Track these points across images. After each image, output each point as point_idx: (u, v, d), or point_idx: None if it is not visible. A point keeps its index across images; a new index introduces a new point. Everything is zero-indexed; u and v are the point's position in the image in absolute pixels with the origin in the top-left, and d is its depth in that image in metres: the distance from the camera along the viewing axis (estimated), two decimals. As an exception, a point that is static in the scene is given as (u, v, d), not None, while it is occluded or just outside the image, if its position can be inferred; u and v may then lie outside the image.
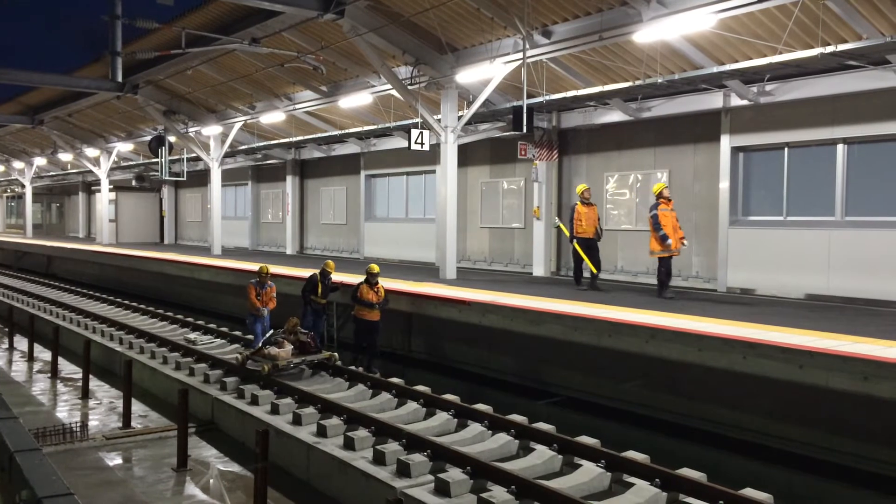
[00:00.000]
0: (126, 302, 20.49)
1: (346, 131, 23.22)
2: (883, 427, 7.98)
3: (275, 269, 19.57)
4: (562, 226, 15.25)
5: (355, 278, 16.41)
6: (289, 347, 11.42)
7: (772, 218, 14.59)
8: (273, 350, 11.29)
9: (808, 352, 8.27)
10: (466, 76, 16.19)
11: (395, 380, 10.89)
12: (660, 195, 13.52)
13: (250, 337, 14.49)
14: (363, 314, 12.67)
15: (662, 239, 13.09)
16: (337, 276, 14.12)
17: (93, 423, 10.47)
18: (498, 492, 6.80)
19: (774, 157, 14.58)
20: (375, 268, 12.80)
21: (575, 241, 14.63)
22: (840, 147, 13.55)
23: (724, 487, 6.63)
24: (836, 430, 8.34)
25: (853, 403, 8.01)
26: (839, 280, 13.24)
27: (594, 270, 14.70)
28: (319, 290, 13.32)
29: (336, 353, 11.89)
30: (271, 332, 12.03)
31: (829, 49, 11.54)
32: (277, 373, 11.12)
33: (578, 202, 14.79)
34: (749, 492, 6.63)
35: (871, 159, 13.25)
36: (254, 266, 20.56)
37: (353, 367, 11.89)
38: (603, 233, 15.01)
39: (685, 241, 13.70)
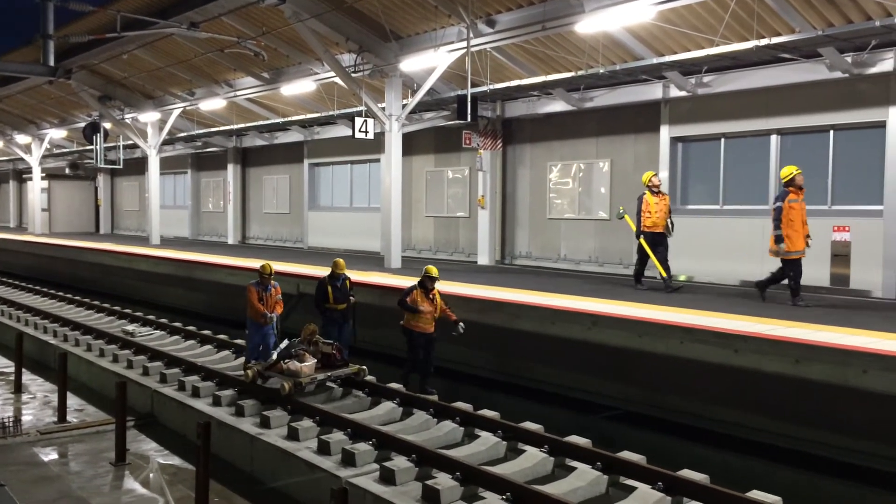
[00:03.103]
0: (60, 293, 19.91)
1: (289, 119, 22.93)
2: (813, 408, 8.28)
3: (224, 259, 19.26)
4: (627, 217, 13.18)
5: (300, 268, 16.31)
6: (312, 361, 9.59)
7: (709, 207, 14.95)
8: (293, 365, 9.41)
9: (742, 336, 8.52)
10: (411, 64, 16.14)
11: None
12: (790, 182, 11.08)
13: (195, 328, 14.25)
14: (415, 325, 10.26)
15: (776, 239, 11.02)
16: (281, 266, 13.89)
17: (26, 417, 10.16)
18: (443, 478, 6.84)
19: (712, 147, 14.94)
20: (434, 270, 10.28)
21: (642, 236, 12.72)
22: (774, 138, 13.96)
23: (663, 469, 6.80)
24: (769, 412, 8.62)
25: (785, 386, 8.30)
26: (772, 267, 13.62)
27: (663, 273, 12.74)
28: (331, 295, 11.05)
29: (365, 367, 10.08)
30: (285, 342, 10.03)
31: (764, 42, 11.87)
32: (299, 392, 9.32)
33: (646, 192, 12.72)
34: (687, 473, 6.82)
35: (803, 150, 13.68)
36: (194, 256, 20.23)
37: (402, 389, 9.88)
38: (674, 227, 12.91)
39: (811, 240, 11.36)
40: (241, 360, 12.01)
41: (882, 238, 12.26)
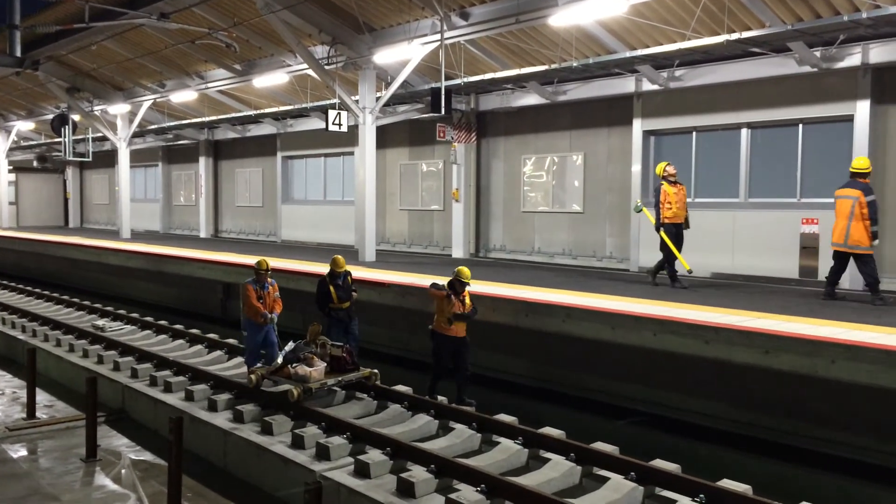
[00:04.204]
0: (29, 288, 19.60)
1: (262, 111, 22.75)
2: (782, 398, 8.42)
3: (197, 253, 19.07)
4: (645, 210, 12.58)
5: (274, 262, 16.16)
6: (321, 365, 9.06)
7: (681, 199, 15.08)
8: (302, 369, 8.88)
9: (712, 328, 8.61)
10: (384, 57, 16.07)
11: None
12: (868, 174, 10.51)
13: (167, 323, 14.09)
14: (445, 329, 9.44)
15: (874, 235, 10.33)
16: (253, 260, 13.78)
17: (-6, 414, 10.01)
18: (417, 471, 6.85)
19: (683, 140, 15.07)
20: (466, 272, 9.45)
21: (662, 229, 12.02)
22: (744, 131, 14.12)
23: (635, 459, 6.87)
24: (739, 402, 8.75)
25: (755, 376, 8.42)
26: (742, 259, 13.84)
27: (686, 267, 12.11)
28: (334, 294, 10.32)
29: (377, 371, 9.50)
30: (291, 343, 9.44)
31: (734, 36, 11.98)
32: (310, 398, 8.79)
33: (664, 182, 12.08)
34: (659, 463, 6.90)
35: (772, 143, 13.86)
36: (166, 250, 20.00)
37: (434, 399, 9.12)
38: (689, 219, 12.28)
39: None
40: (214, 354, 11.93)
41: (849, 230, 12.44)
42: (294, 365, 9.00)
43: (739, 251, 13.92)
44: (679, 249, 12.08)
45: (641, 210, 12.78)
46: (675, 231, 12.07)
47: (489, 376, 11.36)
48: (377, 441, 7.55)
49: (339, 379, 9.14)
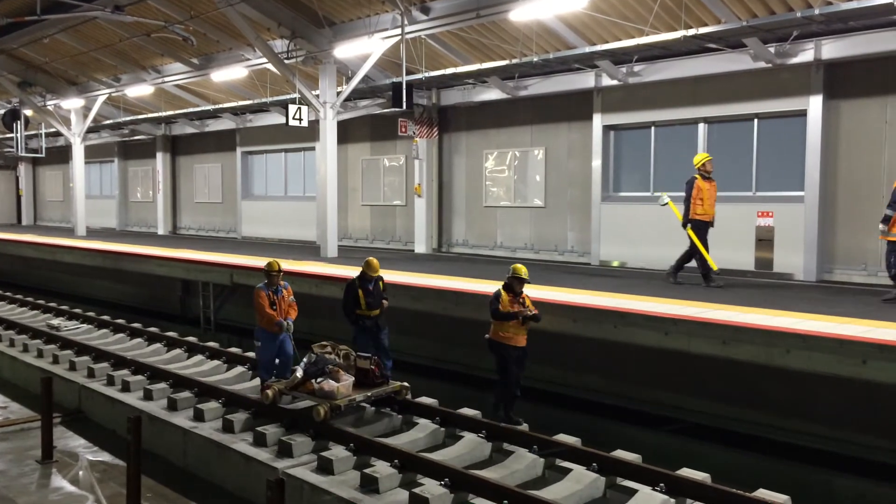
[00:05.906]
0: (-20, 288, 19.11)
1: (220, 106, 22.43)
2: (739, 388, 8.58)
3: (155, 250, 18.75)
4: (671, 204, 11.72)
5: (234, 258, 16.00)
6: (349, 379, 8.39)
7: (640, 194, 15.27)
8: (328, 384, 8.16)
9: (672, 319, 8.73)
10: (345, 51, 15.97)
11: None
12: None
13: (125, 321, 13.84)
14: (506, 336, 8.71)
15: None
16: (214, 257, 13.61)
17: (-56, 417, 9.74)
18: (381, 466, 6.84)
19: (642, 135, 15.24)
20: (522, 270, 8.72)
21: (689, 225, 11.33)
22: (701, 126, 14.33)
23: (597, 451, 6.96)
24: (698, 392, 8.89)
25: (713, 366, 8.56)
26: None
27: (714, 266, 11.39)
28: (363, 301, 9.54)
29: (408, 384, 8.85)
30: (310, 356, 8.70)
31: (691, 32, 12.14)
32: (337, 416, 8.07)
33: (698, 176, 11.32)
34: (620, 453, 6.99)
35: (728, 138, 14.09)
36: (123, 247, 19.63)
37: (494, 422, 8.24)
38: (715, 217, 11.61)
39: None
40: (174, 353, 11.77)
41: (803, 223, 12.74)
42: (318, 380, 8.26)
43: (698, 244, 14.12)
44: (706, 248, 11.45)
45: (667, 204, 11.89)
46: (705, 228, 11.43)
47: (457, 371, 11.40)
48: (341, 437, 7.52)
49: (369, 394, 8.43)
